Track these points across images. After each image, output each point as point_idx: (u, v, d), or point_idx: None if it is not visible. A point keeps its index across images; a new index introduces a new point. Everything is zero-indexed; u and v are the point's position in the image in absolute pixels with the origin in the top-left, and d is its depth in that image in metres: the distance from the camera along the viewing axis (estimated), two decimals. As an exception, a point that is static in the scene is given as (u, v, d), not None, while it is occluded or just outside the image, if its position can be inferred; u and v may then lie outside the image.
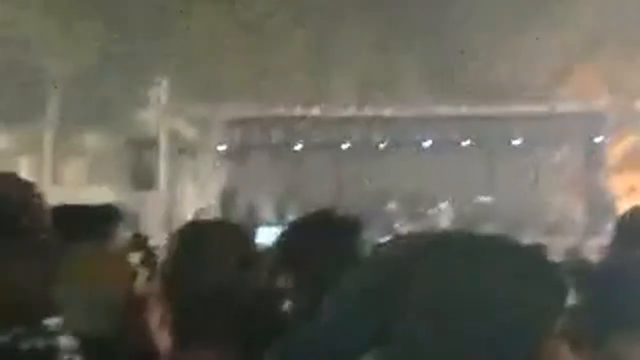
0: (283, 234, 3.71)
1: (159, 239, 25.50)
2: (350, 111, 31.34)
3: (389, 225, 27.70)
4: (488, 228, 27.18)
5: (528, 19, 41.21)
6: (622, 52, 40.94)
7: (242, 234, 3.26)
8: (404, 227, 28.00)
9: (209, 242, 3.04)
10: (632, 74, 40.15)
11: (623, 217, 3.84)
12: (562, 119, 30.12)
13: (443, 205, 28.52)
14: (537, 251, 2.23)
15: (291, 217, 27.66)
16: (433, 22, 40.32)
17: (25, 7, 38.11)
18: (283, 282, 3.47)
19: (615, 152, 31.97)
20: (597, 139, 30.22)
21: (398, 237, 2.43)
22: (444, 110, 30.78)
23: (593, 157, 30.69)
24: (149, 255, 7.52)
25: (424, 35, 40.66)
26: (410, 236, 2.26)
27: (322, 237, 3.55)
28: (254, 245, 3.26)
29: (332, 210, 3.89)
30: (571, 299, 2.58)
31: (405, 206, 28.69)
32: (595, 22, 41.08)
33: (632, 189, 29.27)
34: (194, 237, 3.09)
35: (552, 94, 38.72)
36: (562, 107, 31.11)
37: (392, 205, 28.65)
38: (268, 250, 3.79)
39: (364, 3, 40.35)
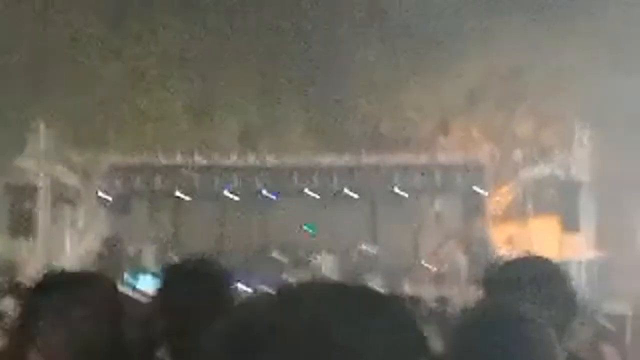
0: (160, 282, 3.69)
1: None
2: (233, 159, 31.29)
3: (275, 274, 27.66)
4: (371, 277, 27.32)
5: (409, 73, 41.86)
6: (501, 104, 41.83)
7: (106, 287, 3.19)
8: (290, 276, 27.99)
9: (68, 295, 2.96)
10: (510, 125, 41.03)
11: (492, 268, 3.86)
12: (443, 170, 30.55)
13: (325, 254, 28.55)
14: (396, 303, 2.17)
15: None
16: (318, 73, 40.67)
17: None
18: (160, 327, 3.43)
19: (494, 202, 32.50)
20: (477, 189, 30.71)
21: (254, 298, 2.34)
22: (328, 159, 30.95)
23: (473, 208, 31.14)
24: (22, 299, 7.37)
25: (310, 86, 40.96)
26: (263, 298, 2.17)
27: (196, 284, 3.54)
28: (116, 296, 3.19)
29: (206, 259, 3.89)
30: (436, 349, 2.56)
31: (288, 255, 28.64)
32: (474, 75, 41.92)
33: (509, 240, 29.74)
34: (54, 289, 3.01)
35: (433, 145, 39.31)
36: (443, 158, 31.58)
37: (275, 254, 28.58)
38: (148, 297, 3.76)
39: (249, 50, 40.49)
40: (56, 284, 3.06)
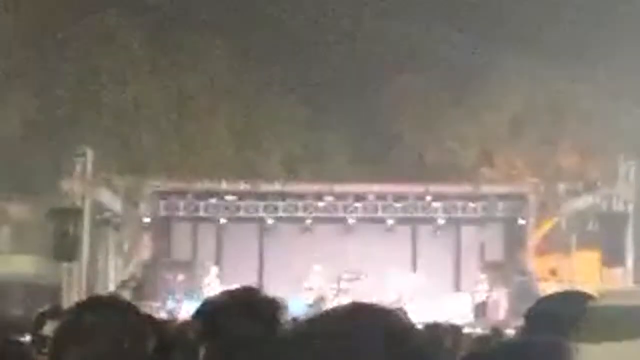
0: (202, 309, 3.69)
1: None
2: (277, 186, 31.42)
3: (315, 300, 27.72)
4: (410, 304, 27.29)
5: (455, 103, 41.93)
6: (545, 137, 41.72)
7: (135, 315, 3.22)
8: (330, 302, 27.99)
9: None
10: (553, 158, 40.90)
11: (536, 303, 3.85)
12: (486, 200, 30.48)
13: (366, 281, 28.53)
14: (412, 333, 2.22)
15: (212, 292, 27.53)
16: (363, 105, 40.84)
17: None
18: (201, 355, 3.47)
19: (537, 234, 32.38)
20: (520, 221, 30.59)
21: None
22: (371, 188, 31.01)
23: (515, 238, 31.03)
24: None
25: (354, 116, 41.12)
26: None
27: (241, 315, 3.54)
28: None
29: (254, 289, 3.87)
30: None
31: (329, 280, 28.67)
32: (519, 107, 41.91)
33: (552, 272, 29.59)
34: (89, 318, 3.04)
35: (477, 176, 39.26)
36: (487, 189, 31.51)
37: (315, 280, 28.61)
38: (188, 322, 3.78)
39: (295, 80, 40.71)
40: (82, 311, 3.10)
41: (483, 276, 29.58)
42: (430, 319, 12.16)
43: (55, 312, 7.71)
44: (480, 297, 28.78)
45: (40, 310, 7.79)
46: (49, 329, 7.45)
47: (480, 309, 28.35)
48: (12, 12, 38.33)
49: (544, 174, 36.37)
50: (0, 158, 38.13)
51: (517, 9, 40.25)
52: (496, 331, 12.06)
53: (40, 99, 38.69)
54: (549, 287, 29.08)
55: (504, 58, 39.34)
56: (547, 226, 33.81)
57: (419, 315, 15.09)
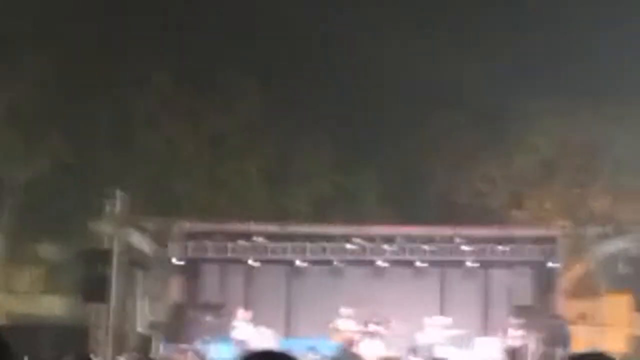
0: None
1: (107, 353, 25.22)
2: (305, 228, 31.42)
3: (345, 343, 27.62)
4: (439, 349, 27.15)
5: (486, 146, 41.90)
6: (576, 180, 41.57)
7: None
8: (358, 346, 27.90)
9: None
10: (585, 201, 40.72)
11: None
12: (516, 243, 30.32)
13: (395, 325, 28.41)
14: None
15: (242, 334, 27.47)
16: (391, 145, 40.88)
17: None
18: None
19: (567, 277, 32.17)
20: (550, 264, 30.40)
21: None
22: (398, 230, 30.95)
23: (545, 282, 30.82)
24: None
25: (383, 157, 41.16)
26: None
27: None
28: None
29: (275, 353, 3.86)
30: None
31: (357, 323, 28.54)
32: (549, 149, 41.83)
33: (582, 316, 29.37)
34: None
35: (507, 218, 39.14)
36: (516, 231, 31.37)
37: (343, 323, 28.48)
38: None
39: (324, 120, 40.85)
40: None
41: (514, 321, 29.38)
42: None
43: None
44: (509, 342, 28.55)
45: (65, 359, 7.81)
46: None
47: (510, 354, 28.12)
48: (44, 55, 38.73)
49: (575, 217, 36.23)
50: (31, 200, 38.42)
51: (550, 47, 40.25)
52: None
53: (72, 142, 39.00)
54: (578, 332, 28.90)
55: (535, 98, 39.34)
56: (577, 270, 33.61)
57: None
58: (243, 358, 3.70)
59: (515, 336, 28.62)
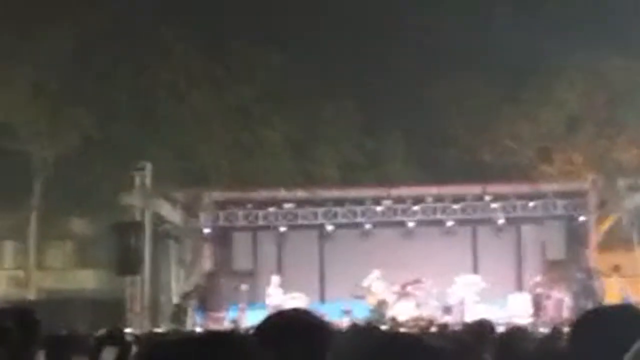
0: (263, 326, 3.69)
1: (143, 324, 25.39)
2: (334, 192, 31.46)
3: (376, 306, 27.72)
4: (471, 307, 27.19)
5: (510, 102, 41.69)
6: (602, 132, 41.35)
7: None
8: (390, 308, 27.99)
9: None
10: (612, 153, 40.52)
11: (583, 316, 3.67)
12: (546, 199, 30.25)
13: (427, 284, 28.46)
14: None
15: (275, 300, 27.61)
16: (416, 107, 40.73)
17: (12, 93, 38.38)
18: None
19: (599, 231, 32.09)
20: (581, 218, 30.32)
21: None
22: (428, 190, 30.91)
23: (577, 236, 30.77)
24: (124, 350, 7.50)
25: (408, 119, 41.02)
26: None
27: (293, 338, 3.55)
28: None
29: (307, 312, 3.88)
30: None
31: (388, 285, 28.62)
32: (575, 103, 41.59)
33: (615, 268, 29.29)
34: None
35: (535, 174, 39.01)
36: (545, 187, 31.28)
37: (375, 284, 28.57)
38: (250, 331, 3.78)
39: (349, 85, 40.74)
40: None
41: (545, 276, 29.38)
42: (492, 319, 12.06)
43: (112, 337, 7.77)
44: (542, 296, 28.55)
45: (98, 333, 7.85)
46: (107, 355, 7.50)
47: (543, 308, 28.13)
48: (68, 29, 38.80)
49: (603, 170, 36.08)
50: (61, 175, 38.64)
51: (575, 2, 39.89)
52: (557, 331, 11.96)
53: (98, 116, 39.15)
54: (612, 284, 28.86)
55: (559, 53, 39.09)
56: (608, 222, 33.53)
57: (482, 316, 15.01)
58: (266, 319, 3.74)
59: (548, 290, 28.62)
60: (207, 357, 2.39)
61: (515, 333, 8.58)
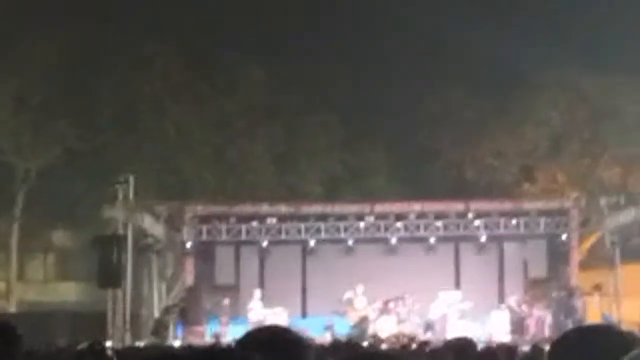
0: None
1: (124, 338, 25.28)
2: (318, 208, 31.43)
3: (360, 322, 27.71)
4: (454, 322, 27.20)
5: (494, 119, 41.79)
6: (586, 151, 41.48)
7: None
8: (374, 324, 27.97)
9: None
10: (596, 171, 40.64)
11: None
12: (528, 216, 30.30)
13: (409, 301, 28.48)
14: None
15: (256, 315, 27.58)
16: (399, 122, 40.79)
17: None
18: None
19: (581, 249, 32.16)
20: (563, 236, 30.37)
21: None
22: (411, 207, 30.91)
23: (559, 255, 30.81)
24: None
25: (392, 134, 41.08)
26: None
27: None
28: None
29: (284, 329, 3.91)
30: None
31: (370, 301, 28.62)
32: (558, 120, 41.72)
33: (597, 287, 29.33)
34: None
35: (518, 192, 39.10)
36: (528, 205, 31.34)
37: (358, 301, 28.58)
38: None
39: (333, 99, 40.78)
40: None
41: (526, 294, 29.45)
42: (473, 336, 12.08)
43: (93, 351, 7.75)
44: (523, 314, 28.61)
45: (79, 347, 7.83)
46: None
47: (524, 326, 28.18)
48: (51, 43, 38.76)
49: (586, 188, 36.20)
50: (43, 187, 38.51)
51: (556, 18, 40.04)
52: (537, 349, 11.95)
53: (80, 129, 39.07)
54: (594, 303, 28.90)
55: (541, 70, 39.25)
56: (590, 241, 33.60)
57: (463, 333, 15.00)
58: (246, 335, 3.76)
59: (529, 308, 28.68)
60: None
61: (496, 350, 8.58)
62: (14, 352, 4.56)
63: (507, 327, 28.07)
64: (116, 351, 13.61)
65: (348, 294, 28.54)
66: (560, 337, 3.52)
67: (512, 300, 28.99)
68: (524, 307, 28.81)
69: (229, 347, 3.68)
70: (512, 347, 10.12)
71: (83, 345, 7.86)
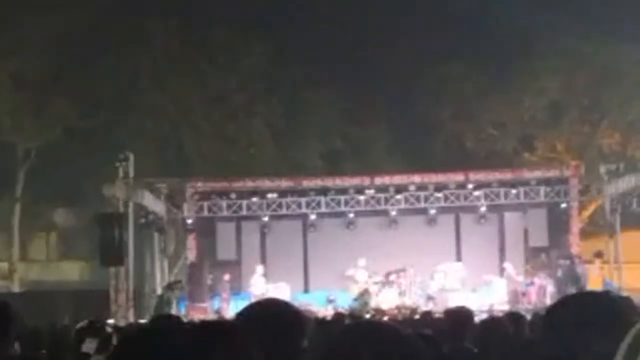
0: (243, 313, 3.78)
1: (127, 316, 25.33)
2: (317, 181, 31.47)
3: (359, 294, 27.78)
4: (455, 294, 27.28)
5: (494, 90, 41.72)
6: (585, 118, 41.45)
7: None
8: (375, 296, 28.04)
9: None
10: (595, 139, 40.64)
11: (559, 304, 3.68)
12: (528, 186, 30.34)
13: (410, 272, 28.54)
14: None
15: (259, 290, 27.67)
16: (400, 95, 40.76)
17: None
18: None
19: (581, 217, 32.21)
20: (563, 205, 30.43)
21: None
22: (411, 179, 30.94)
23: (559, 223, 30.86)
24: (105, 342, 7.50)
25: (392, 107, 41.07)
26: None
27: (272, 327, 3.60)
28: None
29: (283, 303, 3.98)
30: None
31: (372, 274, 28.68)
32: (557, 88, 41.63)
33: (598, 254, 29.42)
34: None
35: (518, 161, 39.11)
36: (528, 174, 31.36)
37: (360, 273, 28.66)
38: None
39: (332, 72, 40.71)
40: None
41: (528, 262, 29.55)
42: (472, 306, 12.13)
43: (93, 329, 7.78)
44: (525, 283, 28.70)
45: (79, 325, 7.85)
46: (88, 346, 7.51)
47: (525, 294, 28.27)
48: (50, 20, 38.64)
49: (585, 156, 36.22)
50: (44, 166, 38.54)
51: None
52: (538, 317, 12.00)
53: (80, 106, 39.07)
54: (595, 270, 29.00)
55: (543, 37, 39.15)
56: (590, 209, 33.66)
57: (464, 303, 15.05)
58: (245, 308, 3.82)
59: (532, 277, 28.77)
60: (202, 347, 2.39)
61: (496, 320, 8.65)
62: (10, 329, 4.60)
63: (507, 296, 28.18)
64: (116, 328, 13.68)
65: (350, 271, 28.62)
66: (556, 303, 3.57)
67: (512, 269, 29.06)
68: (525, 276, 28.90)
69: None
70: (518, 315, 10.16)
71: (83, 323, 7.88)
